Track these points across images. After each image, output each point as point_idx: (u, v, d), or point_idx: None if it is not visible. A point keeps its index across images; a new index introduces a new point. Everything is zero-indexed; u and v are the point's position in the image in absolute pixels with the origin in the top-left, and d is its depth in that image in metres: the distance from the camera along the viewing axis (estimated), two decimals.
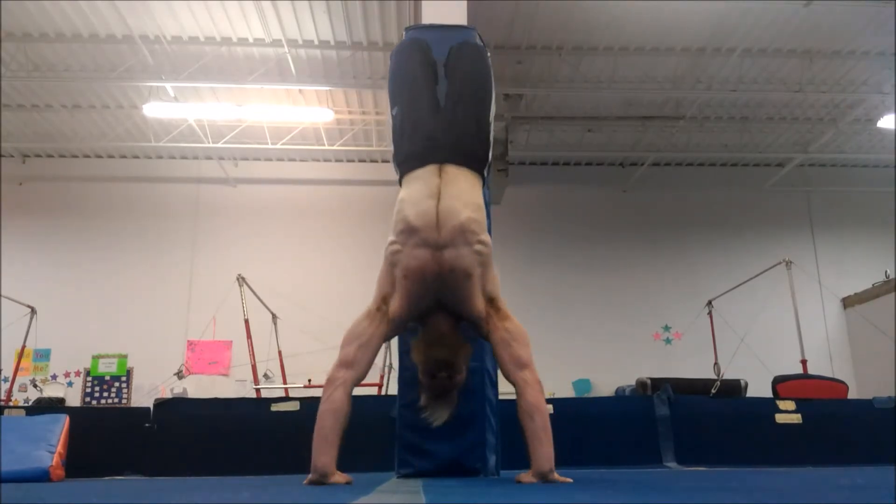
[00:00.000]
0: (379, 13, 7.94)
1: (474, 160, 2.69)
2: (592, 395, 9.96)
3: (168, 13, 7.85)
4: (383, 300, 2.51)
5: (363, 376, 2.49)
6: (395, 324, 2.51)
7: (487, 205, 3.01)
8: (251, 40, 8.39)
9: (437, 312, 2.51)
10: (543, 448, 2.34)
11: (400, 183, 2.70)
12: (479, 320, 2.50)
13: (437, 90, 2.92)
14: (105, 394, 10.23)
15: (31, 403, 8.17)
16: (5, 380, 8.81)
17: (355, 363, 2.44)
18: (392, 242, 2.52)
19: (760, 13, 7.87)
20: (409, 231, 2.47)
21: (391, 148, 2.88)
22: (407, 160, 2.69)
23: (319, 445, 2.33)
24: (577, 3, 7.71)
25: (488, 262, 2.52)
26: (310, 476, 2.34)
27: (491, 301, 2.51)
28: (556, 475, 2.32)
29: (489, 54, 3.19)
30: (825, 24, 8.11)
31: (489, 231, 2.75)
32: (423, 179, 2.57)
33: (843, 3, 7.67)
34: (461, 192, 2.53)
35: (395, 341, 3.03)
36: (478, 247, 2.47)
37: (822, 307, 10.97)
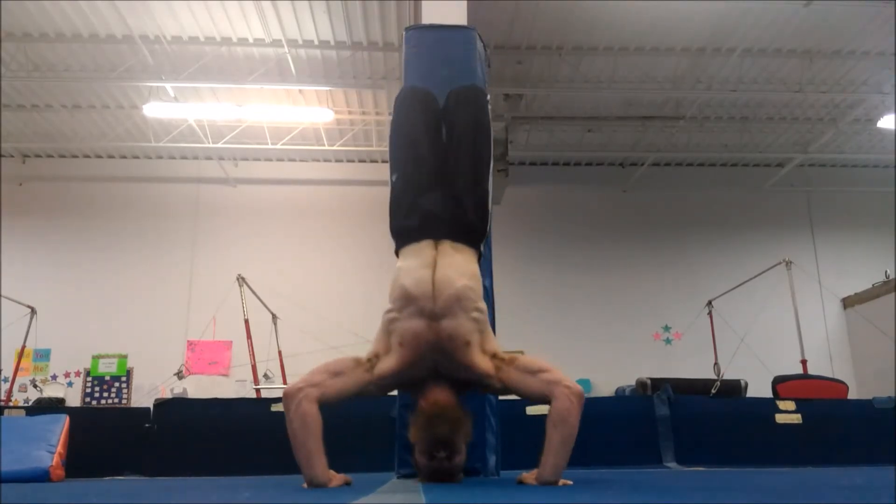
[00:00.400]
0: (379, 13, 7.94)
1: (472, 236, 2.67)
2: (592, 395, 9.94)
3: (168, 13, 7.85)
4: (375, 355, 2.47)
5: (327, 402, 2.36)
6: (380, 381, 2.45)
7: (489, 275, 2.97)
8: (251, 40, 8.39)
9: (434, 383, 2.45)
10: (556, 458, 2.29)
11: (396, 254, 2.69)
12: (488, 379, 2.44)
13: (440, 143, 2.86)
14: (105, 394, 10.23)
15: (31, 403, 8.16)
16: (5, 380, 8.80)
17: (321, 385, 2.36)
18: (388, 311, 2.50)
19: (760, 13, 7.87)
20: (405, 299, 2.45)
21: (388, 217, 2.79)
22: (403, 234, 2.68)
23: (304, 461, 2.29)
24: (577, 3, 7.71)
25: (486, 329, 2.50)
26: (305, 485, 2.32)
27: (494, 356, 2.46)
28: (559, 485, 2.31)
29: (488, 101, 3.11)
30: (825, 24, 8.11)
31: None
32: (419, 253, 2.56)
33: (843, 3, 7.67)
34: (457, 264, 2.52)
35: None
36: (475, 314, 2.45)
37: (822, 307, 10.97)
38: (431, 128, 2.91)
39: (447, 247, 2.56)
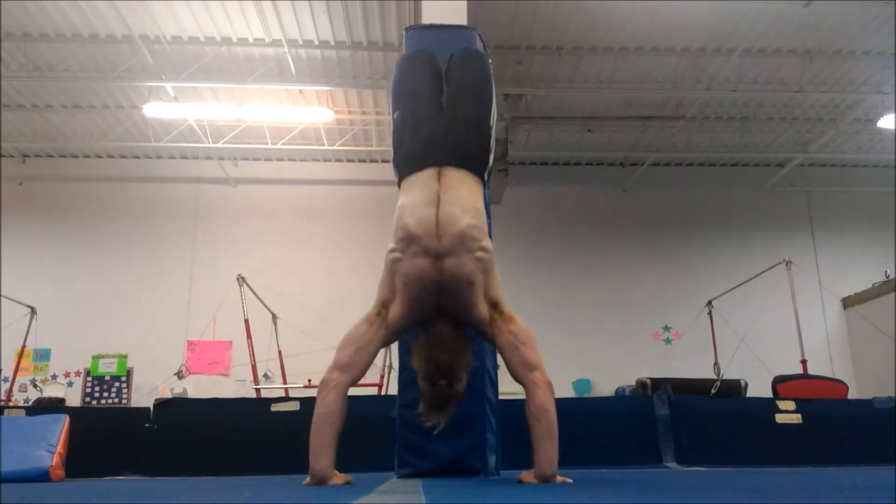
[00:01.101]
0: (379, 13, 7.94)
1: (474, 163, 2.67)
2: (592, 395, 9.96)
3: (168, 13, 7.85)
4: (383, 305, 2.49)
5: (358, 379, 2.47)
6: (393, 329, 2.49)
7: (487, 207, 3.00)
8: (251, 40, 8.39)
9: (438, 319, 2.49)
10: (547, 451, 2.32)
11: (399, 186, 2.69)
12: (483, 325, 2.48)
13: (441, 98, 2.91)
14: (105, 394, 10.23)
15: (31, 403, 8.16)
16: (5, 380, 8.80)
17: (351, 366, 2.43)
18: (392, 250, 2.51)
19: (760, 13, 7.87)
20: (408, 239, 2.45)
21: (391, 150, 2.87)
22: (406, 162, 2.69)
23: (317, 450, 2.33)
24: (577, 3, 7.71)
25: (490, 268, 2.50)
26: (308, 480, 2.34)
27: (494, 305, 2.48)
28: (557, 479, 2.32)
29: (490, 61, 3.17)
30: (825, 24, 8.11)
31: (490, 233, 2.74)
32: (421, 184, 2.55)
33: (843, 3, 7.67)
34: (461, 198, 2.51)
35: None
36: (479, 253, 2.45)
37: (822, 307, 10.97)
38: (433, 77, 2.98)
39: (451, 176, 2.56)
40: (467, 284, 2.42)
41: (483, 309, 2.46)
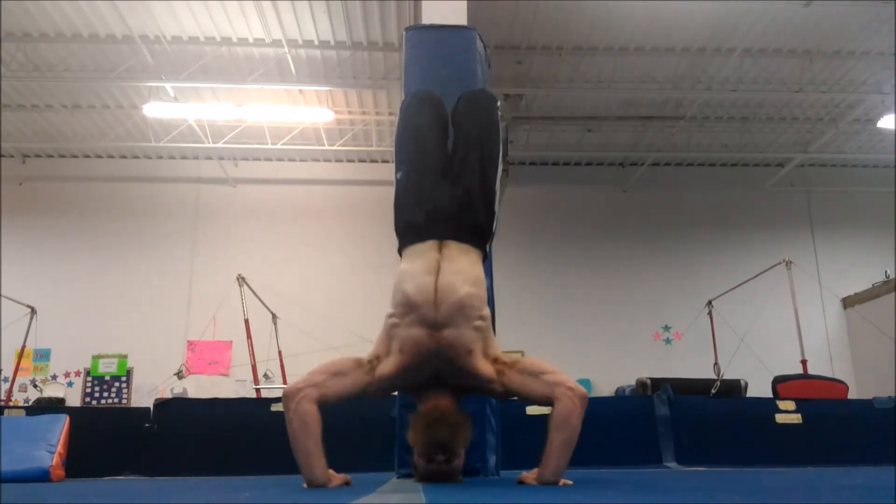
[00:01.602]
0: (379, 13, 7.94)
1: (477, 235, 2.63)
2: (592, 395, 9.91)
3: (168, 13, 7.85)
4: (376, 357, 2.46)
5: (327, 403, 2.36)
6: (378, 382, 2.43)
7: (491, 274, 2.95)
8: (251, 40, 8.39)
9: (435, 388, 2.44)
10: (558, 461, 2.29)
11: (400, 254, 2.65)
12: (490, 384, 2.43)
13: (446, 145, 2.84)
14: (105, 394, 10.23)
15: (31, 403, 8.16)
16: (5, 380, 8.80)
17: (322, 385, 2.35)
18: (390, 315, 2.48)
19: (760, 13, 7.87)
20: (407, 305, 2.42)
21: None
22: (407, 231, 2.64)
23: (304, 461, 2.29)
24: (577, 3, 7.71)
25: (488, 334, 2.48)
26: (306, 485, 2.32)
27: (495, 360, 2.45)
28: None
29: (499, 103, 3.09)
30: (825, 24, 8.11)
31: (490, 300, 2.70)
32: (422, 254, 2.52)
33: (843, 3, 7.67)
34: (461, 269, 2.48)
35: None
36: (477, 322, 2.42)
37: (822, 307, 10.97)
38: (439, 129, 2.90)
39: (452, 248, 2.53)
40: (466, 353, 2.39)
41: (487, 368, 2.42)
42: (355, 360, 2.47)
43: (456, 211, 2.61)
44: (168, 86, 8.72)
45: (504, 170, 9.13)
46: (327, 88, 9.24)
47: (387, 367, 2.42)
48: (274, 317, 8.69)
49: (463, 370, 2.40)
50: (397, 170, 2.85)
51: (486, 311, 2.50)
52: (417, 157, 2.82)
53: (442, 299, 2.39)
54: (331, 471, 2.35)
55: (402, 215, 2.71)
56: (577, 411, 2.30)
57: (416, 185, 2.73)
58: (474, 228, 2.64)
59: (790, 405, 4.98)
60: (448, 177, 2.72)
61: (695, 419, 4.89)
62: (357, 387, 2.43)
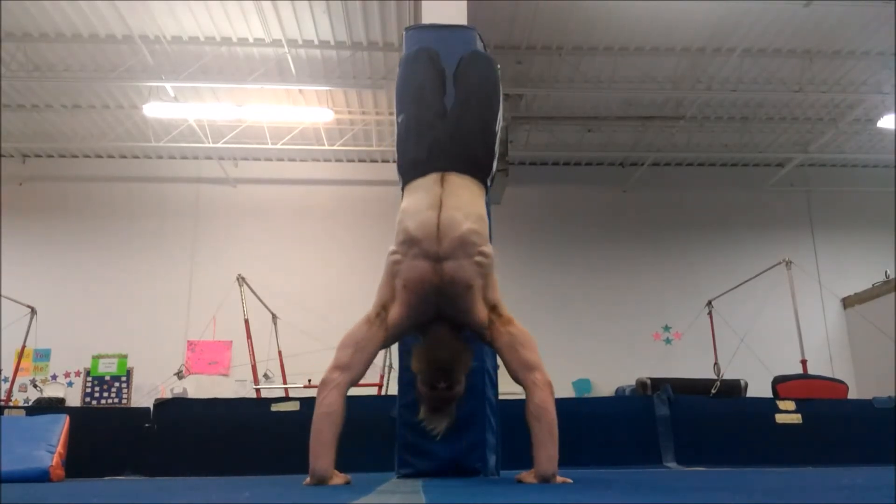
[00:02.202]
0: (379, 13, 7.94)
1: (478, 169, 2.67)
2: (592, 395, 9.96)
3: (168, 13, 7.85)
4: (383, 307, 2.50)
5: (358, 380, 2.47)
6: (393, 331, 2.50)
7: (489, 210, 2.99)
8: (251, 40, 8.39)
9: (438, 322, 2.49)
10: (547, 451, 2.33)
11: (402, 191, 2.69)
12: (482, 329, 2.48)
13: (445, 99, 2.90)
14: (105, 394, 10.23)
15: (31, 403, 8.16)
16: (5, 380, 8.81)
17: (351, 366, 2.43)
18: (393, 252, 2.52)
19: (760, 13, 7.87)
20: (409, 242, 2.46)
21: (393, 149, 2.87)
22: (410, 167, 2.68)
23: (317, 449, 2.33)
24: (577, 3, 7.71)
25: (489, 272, 2.51)
26: (308, 480, 2.34)
27: (493, 308, 2.49)
28: (557, 479, 2.32)
29: (499, 66, 3.16)
30: (825, 24, 8.11)
31: (490, 236, 2.74)
32: (424, 189, 2.56)
33: (843, 3, 7.67)
34: (463, 203, 2.52)
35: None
36: (478, 258, 2.46)
37: (822, 307, 10.97)
38: (436, 77, 2.97)
39: (454, 182, 2.56)
40: (466, 288, 2.43)
41: (482, 312, 2.47)
42: (366, 322, 2.50)
43: (456, 145, 2.66)
44: (168, 86, 8.72)
45: (504, 169, 9.20)
46: (327, 88, 9.24)
47: (395, 312, 2.48)
48: (274, 317, 8.69)
49: (462, 307, 2.46)
50: (398, 113, 2.91)
51: (488, 248, 2.53)
52: (417, 100, 2.88)
53: (444, 234, 2.44)
54: (334, 470, 2.36)
55: (405, 153, 2.76)
56: (550, 399, 2.39)
57: (417, 124, 2.79)
58: (474, 161, 2.68)
59: (790, 405, 4.98)
60: (447, 117, 2.79)
61: (695, 419, 4.89)
62: (377, 347, 2.51)
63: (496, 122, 2.86)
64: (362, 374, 2.49)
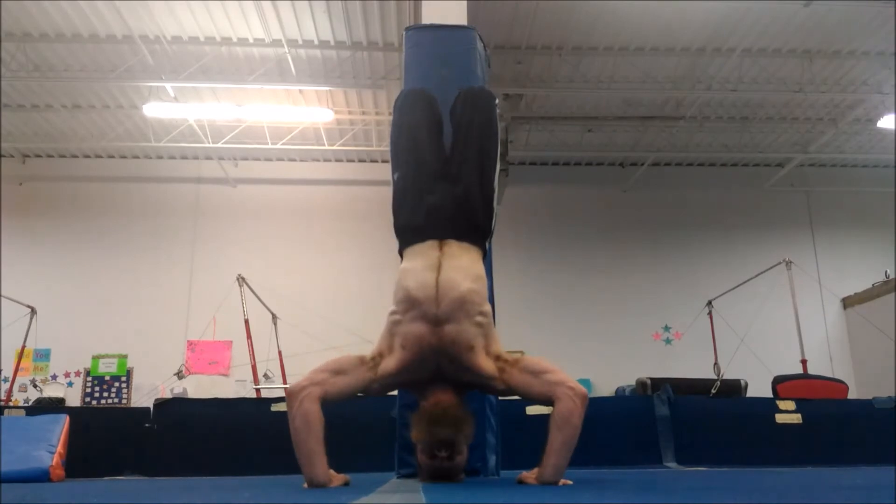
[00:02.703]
0: (379, 13, 7.94)
1: (476, 234, 2.64)
2: (592, 395, 9.92)
3: (168, 13, 7.85)
4: (379, 354, 2.47)
5: (329, 400, 2.36)
6: (382, 380, 2.44)
7: (490, 272, 2.96)
8: (251, 40, 8.39)
9: (437, 384, 2.44)
10: (556, 460, 2.29)
11: (400, 255, 2.66)
12: (491, 381, 2.43)
13: (442, 145, 2.83)
14: (105, 394, 10.23)
15: (31, 403, 8.16)
16: (5, 380, 8.81)
17: (325, 383, 2.36)
18: (392, 312, 2.49)
19: (760, 13, 7.87)
20: (408, 301, 2.43)
21: (391, 215, 2.75)
22: (407, 232, 2.65)
23: (305, 461, 2.29)
24: (577, 3, 7.71)
25: (489, 330, 2.48)
26: (306, 486, 2.32)
27: (497, 358, 2.45)
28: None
29: (497, 101, 3.07)
30: (825, 24, 8.11)
31: (491, 295, 2.69)
32: (423, 253, 2.53)
33: (843, 3, 7.67)
34: (462, 265, 2.49)
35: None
36: (478, 318, 2.43)
37: (822, 307, 10.97)
38: (434, 128, 2.88)
39: (453, 247, 2.54)
40: (467, 349, 2.39)
41: (488, 366, 2.42)
42: (358, 357, 2.47)
43: (455, 210, 2.61)
44: (168, 86, 8.72)
45: (504, 169, 9.19)
46: (327, 88, 9.24)
47: (389, 364, 2.43)
48: (274, 317, 8.69)
49: (464, 366, 2.40)
50: (394, 171, 2.84)
51: (487, 308, 2.50)
52: (413, 157, 2.81)
53: (443, 295, 2.40)
54: (331, 471, 2.35)
55: (401, 216, 2.71)
56: (577, 411, 2.30)
57: (414, 185, 2.73)
58: (473, 227, 2.64)
59: (790, 405, 4.98)
60: (446, 176, 2.71)
61: (695, 419, 4.89)
62: (360, 384, 2.43)
63: (495, 172, 2.80)
64: (335, 398, 2.38)
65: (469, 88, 3.02)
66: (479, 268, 2.58)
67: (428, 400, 2.43)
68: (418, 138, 2.84)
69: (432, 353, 2.39)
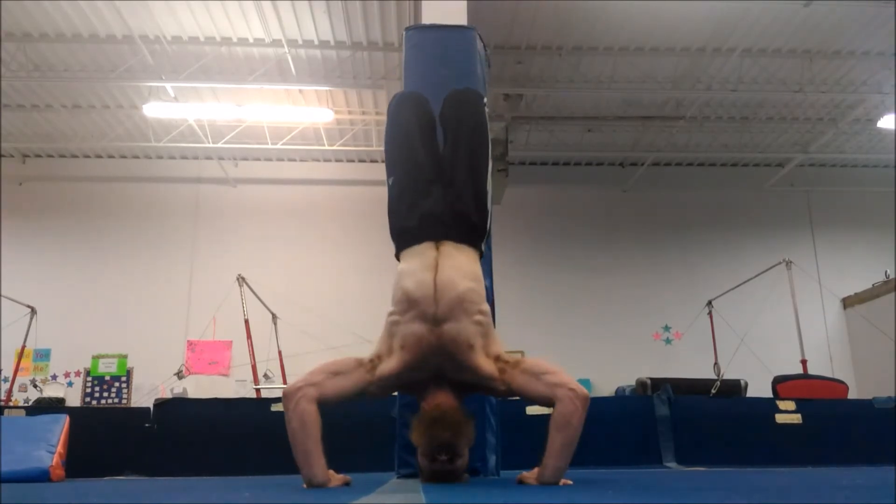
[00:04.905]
0: (379, 13, 7.94)
1: (472, 235, 2.65)
2: (592, 395, 9.91)
3: (168, 13, 7.85)
4: (377, 357, 2.46)
5: (327, 402, 2.36)
6: (380, 382, 2.43)
7: (490, 273, 2.95)
8: (251, 40, 8.39)
9: (437, 387, 2.43)
10: (557, 462, 2.28)
11: (397, 257, 2.67)
12: (491, 382, 2.42)
13: (436, 146, 2.84)
14: (105, 394, 10.23)
15: (31, 403, 8.16)
16: (5, 380, 8.80)
17: (322, 385, 2.36)
18: (391, 313, 2.49)
19: (760, 13, 7.87)
20: (407, 302, 2.43)
21: (387, 218, 2.76)
22: (403, 236, 2.65)
23: (303, 461, 2.29)
24: (577, 3, 7.71)
25: (489, 329, 2.48)
26: (306, 487, 2.32)
27: (497, 359, 2.45)
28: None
29: (485, 100, 3.07)
30: (825, 24, 8.11)
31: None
32: (420, 255, 2.53)
33: (843, 3, 7.67)
34: (459, 265, 2.50)
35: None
36: (478, 317, 2.43)
37: (822, 307, 10.96)
38: (426, 130, 2.89)
39: (449, 248, 2.54)
40: (467, 348, 2.39)
41: (488, 366, 2.41)
42: (356, 359, 2.47)
43: (449, 213, 2.62)
44: (168, 86, 8.72)
45: (504, 169, 9.19)
46: (327, 88, 9.24)
47: (388, 365, 2.42)
48: (274, 317, 8.69)
49: (464, 366, 2.40)
50: (388, 175, 2.86)
51: (486, 307, 2.50)
52: (406, 162, 2.82)
53: (441, 294, 2.40)
54: (331, 471, 2.35)
55: (397, 221, 2.72)
56: (578, 412, 2.29)
57: (408, 190, 2.74)
58: (468, 228, 2.65)
59: (790, 405, 4.98)
60: (439, 180, 2.71)
61: (695, 419, 4.89)
62: (358, 386, 2.43)
63: (487, 176, 2.81)
64: (332, 399, 2.38)
65: (455, 91, 3.02)
66: (477, 268, 2.59)
67: (427, 403, 2.42)
68: (411, 143, 2.85)
69: (432, 352, 2.39)
